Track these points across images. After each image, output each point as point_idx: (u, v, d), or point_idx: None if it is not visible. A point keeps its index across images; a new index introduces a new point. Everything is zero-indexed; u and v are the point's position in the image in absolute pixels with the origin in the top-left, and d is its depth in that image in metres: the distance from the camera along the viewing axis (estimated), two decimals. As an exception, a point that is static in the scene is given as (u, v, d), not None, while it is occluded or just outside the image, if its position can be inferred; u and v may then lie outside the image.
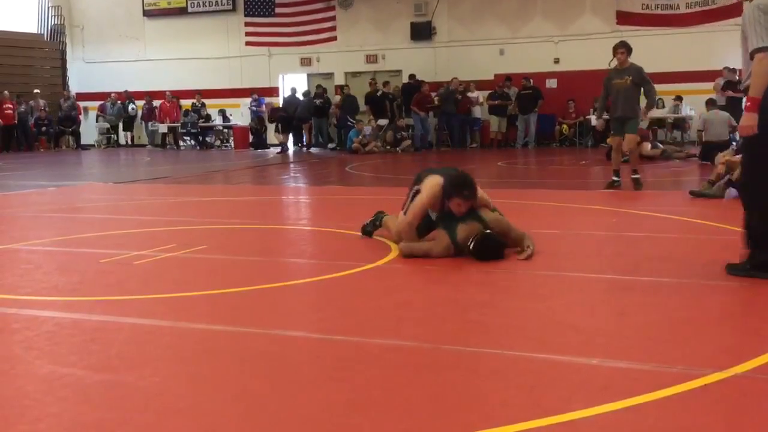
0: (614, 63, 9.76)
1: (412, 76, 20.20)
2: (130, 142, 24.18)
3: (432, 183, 5.61)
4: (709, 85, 17.77)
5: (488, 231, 5.31)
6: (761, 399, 2.86)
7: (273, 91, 22.24)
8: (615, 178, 9.79)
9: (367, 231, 6.40)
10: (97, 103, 24.07)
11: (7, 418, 2.77)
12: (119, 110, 23.75)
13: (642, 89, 9.64)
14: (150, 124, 23.42)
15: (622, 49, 9.51)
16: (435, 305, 4.35)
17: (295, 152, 20.24)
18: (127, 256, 5.79)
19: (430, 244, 5.55)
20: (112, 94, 23.69)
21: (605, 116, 10.06)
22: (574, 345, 3.47)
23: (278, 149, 19.95)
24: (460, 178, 5.49)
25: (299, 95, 21.10)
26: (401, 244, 5.65)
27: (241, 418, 2.72)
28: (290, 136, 20.86)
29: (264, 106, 21.89)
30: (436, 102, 19.66)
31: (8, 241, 6.66)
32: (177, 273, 5.35)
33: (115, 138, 24.19)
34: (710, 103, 14.36)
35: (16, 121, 21.91)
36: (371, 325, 3.89)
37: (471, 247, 5.27)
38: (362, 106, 20.69)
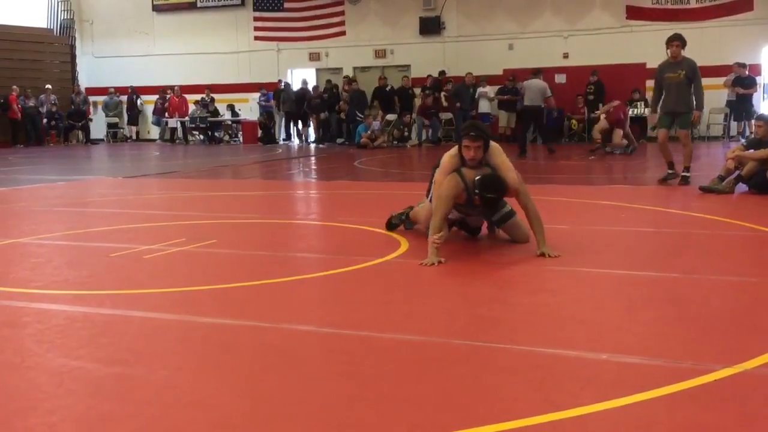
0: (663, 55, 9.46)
1: (442, 73, 20.01)
2: (135, 136, 24.26)
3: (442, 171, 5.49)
4: (720, 80, 17.72)
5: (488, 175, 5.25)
6: (771, 395, 2.85)
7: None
8: (670, 171, 9.57)
9: (392, 224, 6.24)
10: (106, 98, 24.14)
11: (19, 410, 2.79)
12: (115, 104, 23.85)
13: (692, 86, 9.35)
14: (164, 120, 23.48)
15: (677, 41, 9.20)
16: (444, 300, 4.35)
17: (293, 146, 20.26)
18: (136, 250, 5.81)
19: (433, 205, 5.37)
20: (110, 89, 23.77)
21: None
22: (584, 340, 3.47)
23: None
24: (467, 124, 5.65)
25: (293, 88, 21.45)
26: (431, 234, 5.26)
27: (250, 412, 2.73)
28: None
29: (272, 101, 21.96)
30: (444, 103, 19.61)
31: (19, 235, 6.69)
32: (186, 267, 5.37)
33: (123, 132, 24.26)
34: (532, 73, 15.92)
35: (19, 116, 21.92)
36: (380, 320, 3.89)
37: (476, 182, 5.19)
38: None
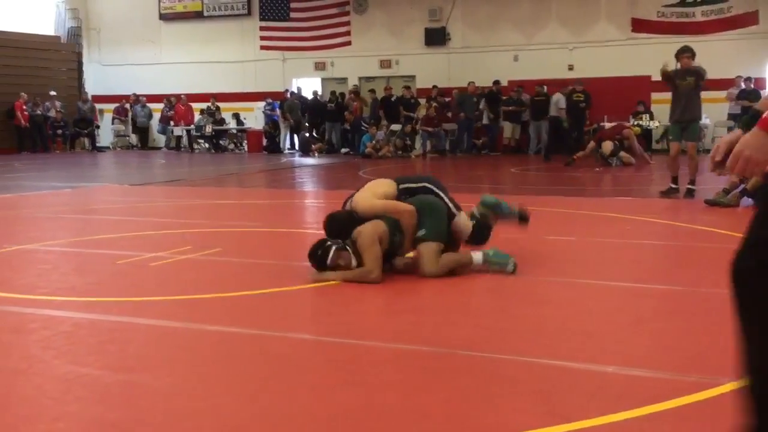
0: (674, 66, 9.59)
1: (496, 83, 19.82)
2: (139, 144, 24.33)
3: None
4: (724, 94, 17.73)
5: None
6: (778, 409, 2.85)
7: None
8: (673, 185, 9.54)
9: None
10: (112, 106, 24.20)
11: (26, 416, 2.80)
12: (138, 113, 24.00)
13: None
14: (170, 128, 23.54)
15: (688, 53, 9.34)
16: (449, 311, 4.35)
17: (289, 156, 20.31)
18: (143, 257, 5.83)
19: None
20: (142, 97, 23.76)
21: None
22: (590, 352, 3.47)
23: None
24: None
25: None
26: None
27: (255, 420, 2.74)
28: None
29: (277, 110, 22.02)
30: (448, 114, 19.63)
31: (25, 242, 6.71)
32: (192, 275, 5.38)
33: (129, 141, 24.31)
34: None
35: (27, 123, 21.95)
36: (386, 330, 3.90)
37: None
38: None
